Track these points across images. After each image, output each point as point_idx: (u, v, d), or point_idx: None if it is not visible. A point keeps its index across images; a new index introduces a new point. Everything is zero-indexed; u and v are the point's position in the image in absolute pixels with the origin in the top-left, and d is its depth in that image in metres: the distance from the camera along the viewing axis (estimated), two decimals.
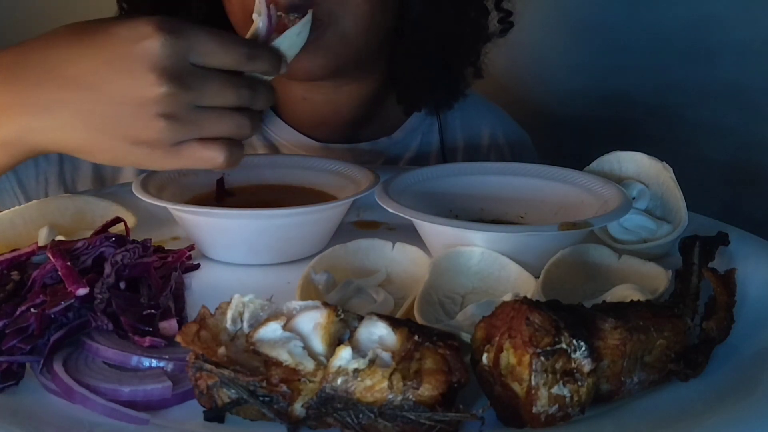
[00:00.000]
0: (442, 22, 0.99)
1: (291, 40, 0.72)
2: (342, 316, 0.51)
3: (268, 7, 0.71)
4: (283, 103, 1.09)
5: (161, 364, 0.55)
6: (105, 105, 0.63)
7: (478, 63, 1.08)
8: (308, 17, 0.74)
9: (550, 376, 0.47)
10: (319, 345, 0.50)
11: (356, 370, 0.47)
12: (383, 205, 0.74)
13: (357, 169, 0.86)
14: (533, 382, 0.47)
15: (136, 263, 0.64)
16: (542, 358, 0.47)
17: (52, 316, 0.56)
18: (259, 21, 0.72)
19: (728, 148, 1.43)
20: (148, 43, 0.61)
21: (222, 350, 0.49)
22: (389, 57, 1.05)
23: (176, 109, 0.63)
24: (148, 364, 0.55)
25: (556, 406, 0.48)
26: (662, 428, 0.50)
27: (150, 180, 0.80)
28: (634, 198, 0.77)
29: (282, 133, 1.09)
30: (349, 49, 0.94)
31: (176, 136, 0.64)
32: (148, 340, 0.56)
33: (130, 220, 0.78)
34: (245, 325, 0.51)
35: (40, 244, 0.67)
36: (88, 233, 0.72)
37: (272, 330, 0.50)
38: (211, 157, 0.66)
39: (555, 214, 0.80)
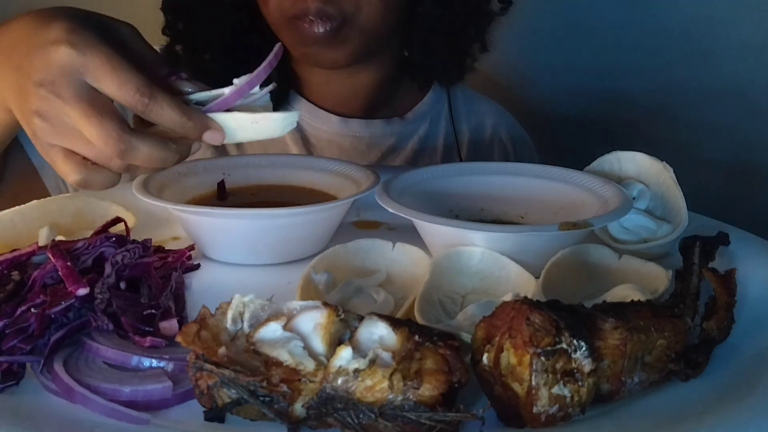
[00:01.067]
0: (450, 8, 1.09)
1: (241, 122, 0.69)
2: (342, 316, 0.51)
3: (249, 86, 0.69)
4: (307, 86, 1.19)
5: (161, 364, 0.55)
6: (14, 73, 0.67)
7: (485, 39, 1.18)
8: (284, 115, 0.70)
9: (550, 376, 0.47)
10: (319, 345, 0.50)
11: (356, 370, 0.47)
12: (383, 205, 0.74)
13: (357, 169, 0.86)
14: (533, 382, 0.47)
15: (137, 263, 0.64)
16: (542, 358, 0.47)
17: (53, 316, 0.56)
18: (228, 89, 0.69)
19: (728, 148, 1.43)
20: (50, 48, 0.63)
21: (222, 350, 0.49)
22: (403, 40, 1.15)
23: (49, 113, 0.64)
24: (148, 364, 0.55)
25: (557, 406, 0.48)
26: (662, 428, 0.50)
27: (150, 180, 0.79)
28: (634, 198, 0.77)
29: (301, 107, 1.17)
30: (368, 38, 1.04)
31: (45, 136, 0.65)
32: (149, 340, 0.56)
33: (130, 220, 0.78)
34: (245, 325, 0.51)
35: (40, 244, 0.67)
36: (88, 233, 0.72)
37: (272, 330, 0.50)
38: (64, 172, 0.67)
39: (555, 214, 0.80)
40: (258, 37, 1.12)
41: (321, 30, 1.00)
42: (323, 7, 0.98)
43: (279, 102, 1.14)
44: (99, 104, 0.63)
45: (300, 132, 1.17)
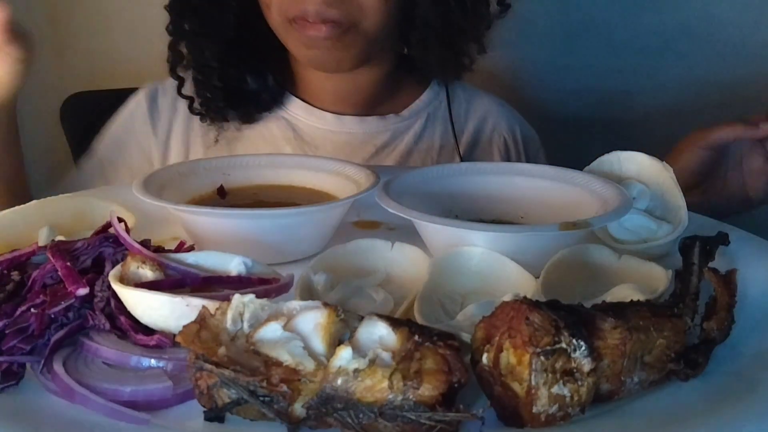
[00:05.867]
0: (447, 9, 1.11)
1: None
2: (342, 316, 0.51)
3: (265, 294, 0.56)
4: (304, 84, 1.21)
5: (161, 364, 0.55)
6: None
7: (482, 41, 1.19)
8: None
9: (549, 375, 0.47)
10: (319, 345, 0.50)
11: (356, 370, 0.47)
12: (383, 206, 0.74)
13: (357, 169, 0.86)
14: (533, 382, 0.47)
15: None
16: (542, 358, 0.47)
17: (52, 316, 0.56)
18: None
19: None
20: None
21: (222, 350, 0.49)
22: (402, 38, 1.17)
23: None
24: (147, 363, 0.55)
25: (556, 405, 0.48)
26: (662, 428, 0.50)
27: (150, 180, 0.80)
28: (634, 198, 0.77)
29: (296, 107, 1.20)
30: (369, 42, 1.08)
31: None
32: (155, 339, 0.56)
33: (130, 220, 0.77)
34: (245, 325, 0.51)
35: (40, 244, 0.67)
36: (88, 233, 0.72)
37: (272, 330, 0.50)
38: None
39: (555, 214, 0.80)
40: (262, 38, 1.14)
41: (324, 34, 1.02)
42: (322, 10, 1.00)
43: (274, 102, 1.19)
44: None
45: (293, 130, 1.19)
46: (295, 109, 1.20)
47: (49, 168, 1.64)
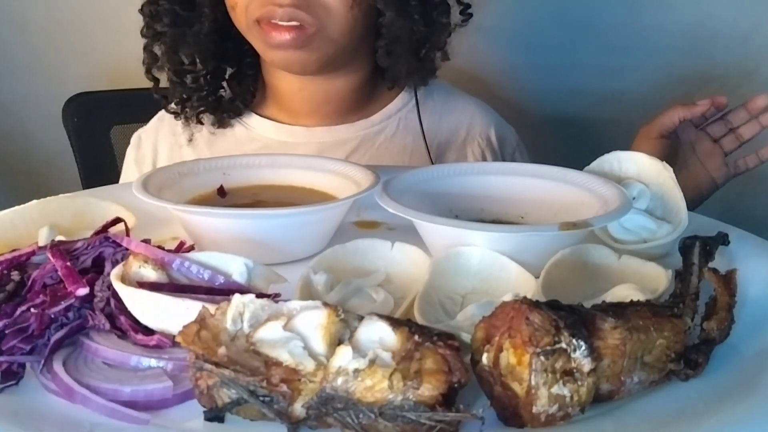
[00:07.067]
0: (410, 19, 1.11)
1: None
2: (342, 316, 0.51)
3: None
4: (281, 95, 1.20)
5: (161, 364, 0.55)
6: None
7: (445, 49, 1.20)
8: None
9: (550, 375, 0.47)
10: (319, 345, 0.50)
11: (356, 370, 0.47)
12: (383, 205, 0.74)
13: (357, 169, 0.86)
14: (533, 382, 0.47)
15: None
16: (542, 358, 0.47)
17: (52, 316, 0.56)
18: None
19: None
20: None
21: (222, 350, 0.49)
22: (372, 49, 1.17)
23: None
24: (147, 363, 0.55)
25: (556, 405, 0.48)
26: (662, 428, 0.50)
27: (150, 180, 0.80)
28: (634, 198, 0.77)
29: (262, 127, 1.21)
30: (336, 47, 1.08)
31: None
32: (155, 339, 0.56)
33: (130, 220, 0.78)
34: (245, 325, 0.51)
35: (40, 244, 0.67)
36: (88, 233, 0.72)
37: (272, 330, 0.50)
38: None
39: (555, 214, 0.80)
40: (235, 40, 1.15)
41: (288, 37, 1.02)
42: (290, 12, 1.00)
43: (239, 119, 1.22)
44: None
45: (261, 144, 1.20)
46: (262, 129, 1.20)
47: (50, 169, 1.65)
